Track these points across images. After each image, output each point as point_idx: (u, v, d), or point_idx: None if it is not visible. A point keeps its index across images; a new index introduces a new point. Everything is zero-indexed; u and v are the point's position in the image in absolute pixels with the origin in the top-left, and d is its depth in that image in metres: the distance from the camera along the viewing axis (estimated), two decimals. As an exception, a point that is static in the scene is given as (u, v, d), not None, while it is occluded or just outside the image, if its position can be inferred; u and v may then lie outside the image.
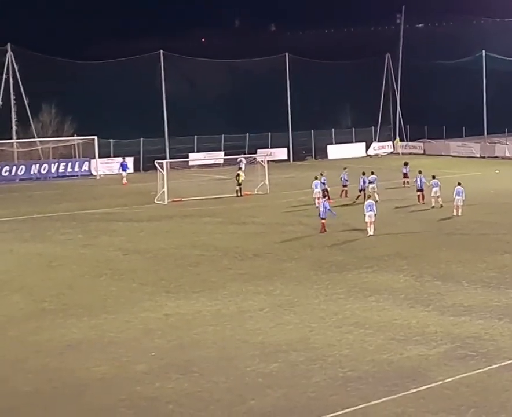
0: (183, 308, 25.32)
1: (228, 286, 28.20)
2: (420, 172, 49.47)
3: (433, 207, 45.82)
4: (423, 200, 47.76)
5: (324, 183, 48.95)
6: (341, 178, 52.75)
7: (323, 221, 39.02)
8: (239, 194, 53.72)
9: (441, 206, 45.08)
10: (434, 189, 46.10)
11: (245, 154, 70.52)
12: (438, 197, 45.84)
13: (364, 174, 50.48)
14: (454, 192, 43.14)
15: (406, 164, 58.23)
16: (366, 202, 38.69)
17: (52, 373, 19.73)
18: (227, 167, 64.73)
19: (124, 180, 62.79)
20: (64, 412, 17.33)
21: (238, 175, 54.35)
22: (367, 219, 37.80)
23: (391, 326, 22.66)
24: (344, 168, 54.11)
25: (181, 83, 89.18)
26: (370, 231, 37.56)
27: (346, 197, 50.98)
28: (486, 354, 20.16)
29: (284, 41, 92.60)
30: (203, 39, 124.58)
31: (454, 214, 42.68)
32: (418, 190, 48.35)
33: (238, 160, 64.59)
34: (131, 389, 18.45)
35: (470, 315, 23.56)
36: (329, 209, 39.21)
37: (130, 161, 76.36)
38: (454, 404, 17.02)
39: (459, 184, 43.69)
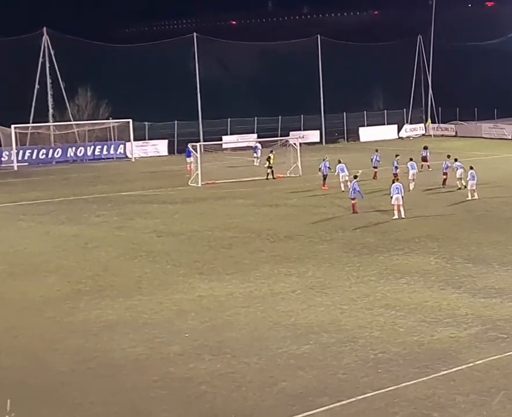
0: (216, 290, 25.48)
1: (260, 268, 28.34)
2: (448, 156, 49.44)
3: (459, 188, 45.64)
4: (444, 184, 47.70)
5: (329, 168, 48.81)
6: (371, 160, 52.73)
7: (353, 202, 39.22)
8: (271, 176, 53.74)
9: (465, 187, 44.75)
10: (458, 171, 45.99)
11: (277, 136, 70.41)
12: (461, 179, 45.66)
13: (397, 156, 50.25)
14: (468, 176, 42.88)
15: (425, 147, 57.40)
16: (393, 185, 38.48)
17: (88, 353, 19.96)
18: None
19: (189, 167, 59.56)
20: (98, 392, 17.52)
21: (269, 158, 54.40)
22: (394, 202, 37.79)
23: (422, 308, 22.68)
24: (376, 150, 54.03)
25: (214, 65, 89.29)
26: (398, 215, 37.48)
27: (375, 178, 50.91)
28: (517, 336, 20.13)
29: (316, 23, 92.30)
30: (233, 22, 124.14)
31: (469, 198, 42.38)
32: (444, 173, 48.11)
33: (254, 145, 64.35)
34: (164, 370, 18.61)
35: (500, 298, 23.50)
36: (358, 190, 39.34)
37: (164, 144, 76.80)
38: (484, 386, 17.00)
39: (471, 168, 43.31)
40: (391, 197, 38.16)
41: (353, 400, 16.53)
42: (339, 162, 48.04)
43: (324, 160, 50.06)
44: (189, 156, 59.31)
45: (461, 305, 22.90)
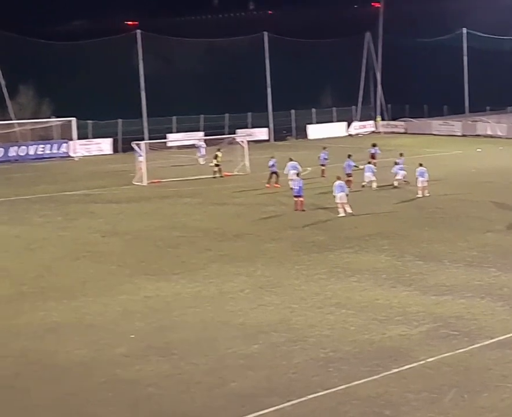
0: (163, 291, 25.15)
1: (208, 267, 28.03)
2: (401, 154, 49.55)
3: (395, 187, 45.95)
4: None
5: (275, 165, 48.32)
6: (319, 157, 52.68)
7: (300, 199, 39.18)
8: (218, 175, 53.36)
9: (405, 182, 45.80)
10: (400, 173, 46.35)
11: (224, 134, 70.11)
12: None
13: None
14: (417, 173, 42.93)
15: (374, 145, 57.44)
16: (336, 183, 38.26)
17: (32, 356, 19.59)
18: (208, 147, 64.33)
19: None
20: (43, 396, 17.21)
21: (216, 155, 53.95)
22: (338, 200, 37.71)
23: (373, 307, 22.58)
24: (324, 148, 54.00)
25: (159, 63, 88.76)
26: (344, 213, 37.38)
27: (324, 176, 50.73)
28: (468, 333, 20.12)
29: (262, 20, 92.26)
30: (178, 18, 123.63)
31: (419, 195, 42.39)
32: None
33: (197, 145, 63.61)
34: (110, 372, 18.32)
35: (451, 295, 23.51)
36: (301, 186, 39.34)
37: (108, 142, 76.04)
38: (436, 384, 16.98)
39: (421, 165, 43.41)
40: (335, 196, 38.04)
41: (303, 400, 16.40)
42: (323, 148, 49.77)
43: (272, 158, 49.83)
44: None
45: (412, 303, 22.85)
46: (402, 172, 46.51)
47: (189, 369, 18.34)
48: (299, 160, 47.71)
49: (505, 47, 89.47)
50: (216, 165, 53.49)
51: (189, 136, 76.45)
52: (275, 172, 47.70)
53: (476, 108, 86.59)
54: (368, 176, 45.78)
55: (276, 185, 46.96)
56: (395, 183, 46.40)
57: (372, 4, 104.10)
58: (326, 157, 52.41)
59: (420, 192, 42.46)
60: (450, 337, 19.88)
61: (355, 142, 77.02)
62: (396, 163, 47.65)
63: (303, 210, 38.94)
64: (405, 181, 46.32)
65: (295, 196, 39.57)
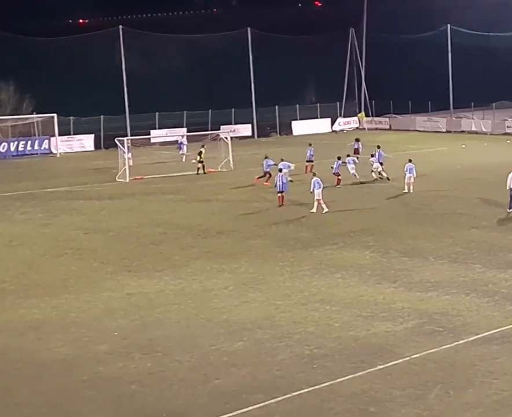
0: (146, 288, 25.01)
1: (192, 264, 27.89)
2: (378, 147, 49.97)
3: (375, 179, 46.82)
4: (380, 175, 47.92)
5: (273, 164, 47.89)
6: (306, 153, 52.60)
7: (281, 195, 39.38)
8: (201, 171, 53.11)
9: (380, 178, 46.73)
10: (375, 165, 47.27)
11: (208, 130, 69.91)
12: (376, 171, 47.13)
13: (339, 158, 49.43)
14: (406, 169, 42.96)
15: (357, 140, 57.48)
16: (313, 180, 38.25)
17: (13, 354, 19.44)
18: (190, 143, 64.17)
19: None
20: (25, 393, 17.05)
21: (200, 152, 53.69)
22: (316, 197, 37.67)
23: (358, 303, 22.50)
24: (310, 144, 53.91)
25: (141, 59, 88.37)
26: (316, 210, 37.35)
27: (311, 171, 50.59)
28: (453, 329, 20.08)
29: (246, 16, 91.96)
30: (160, 14, 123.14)
31: (406, 191, 42.41)
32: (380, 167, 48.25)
33: (179, 141, 63.09)
34: (93, 369, 18.18)
35: (436, 291, 23.46)
36: (285, 183, 39.60)
37: (90, 138, 75.70)
38: (421, 380, 16.93)
39: (410, 161, 43.49)
40: (311, 192, 37.99)
41: (288, 396, 16.32)
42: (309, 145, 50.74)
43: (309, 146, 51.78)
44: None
45: (397, 299, 22.79)
46: (376, 165, 47.16)
47: (173, 366, 18.21)
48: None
49: (489, 43, 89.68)
50: (200, 162, 53.23)
51: (172, 132, 76.24)
52: (269, 173, 46.80)
53: (461, 104, 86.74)
54: (352, 167, 46.38)
55: (266, 184, 46.47)
56: (374, 175, 46.91)
57: (315, 3, 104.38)
58: (312, 153, 52.33)
59: (406, 187, 42.48)
60: (435, 333, 19.82)
61: (340, 138, 77.00)
62: (372, 156, 48.32)
63: (282, 204, 39.15)
64: (379, 173, 46.98)
65: (278, 192, 39.61)
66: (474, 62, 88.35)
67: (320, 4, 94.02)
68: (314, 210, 37.46)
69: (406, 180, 42.69)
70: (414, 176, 42.67)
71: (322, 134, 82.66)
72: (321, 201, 37.58)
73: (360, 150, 55.46)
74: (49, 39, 78.92)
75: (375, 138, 72.08)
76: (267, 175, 46.36)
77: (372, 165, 47.37)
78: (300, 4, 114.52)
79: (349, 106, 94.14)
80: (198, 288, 24.85)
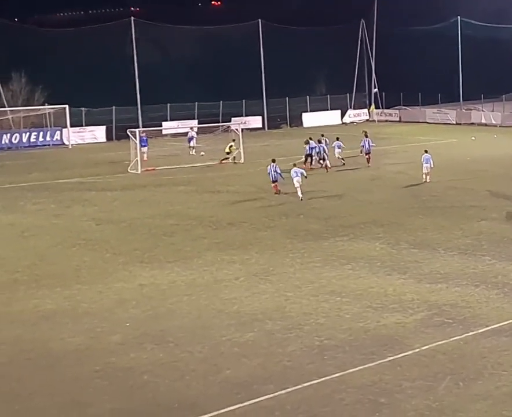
0: (158, 278, 25.09)
1: (203, 255, 27.96)
2: (366, 135, 51.38)
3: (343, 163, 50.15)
4: (368, 163, 50.04)
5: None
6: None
7: (275, 184, 40.52)
8: (229, 161, 53.47)
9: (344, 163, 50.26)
10: (336, 151, 50.66)
11: (219, 122, 69.97)
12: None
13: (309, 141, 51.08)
14: (422, 159, 43.35)
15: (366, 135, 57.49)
16: (292, 170, 39.88)
17: (26, 344, 19.50)
18: (201, 135, 64.27)
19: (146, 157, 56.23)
20: (37, 383, 17.12)
21: (231, 146, 54.08)
22: (296, 184, 39.11)
23: (368, 295, 22.54)
24: (322, 135, 54.10)
25: (153, 50, 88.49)
26: (300, 194, 39.03)
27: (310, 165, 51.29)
28: (463, 321, 20.10)
29: (257, 7, 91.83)
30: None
31: (423, 180, 42.87)
32: (366, 153, 50.49)
33: (189, 136, 63.04)
34: (105, 360, 18.25)
35: (446, 283, 23.48)
36: (279, 173, 40.46)
37: (102, 130, 75.83)
38: (431, 371, 16.96)
39: (426, 151, 43.87)
40: (292, 180, 39.39)
41: (298, 387, 16.35)
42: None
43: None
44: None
45: (407, 291, 22.81)
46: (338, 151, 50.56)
47: (184, 356, 18.27)
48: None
49: (499, 35, 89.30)
50: (227, 153, 53.62)
51: (184, 124, 76.29)
52: (310, 155, 49.67)
53: (471, 96, 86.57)
54: (338, 152, 50.21)
55: (305, 166, 47.46)
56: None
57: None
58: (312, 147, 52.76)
59: (424, 177, 42.97)
60: (445, 325, 19.85)
61: (350, 130, 76.89)
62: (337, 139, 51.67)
63: (279, 192, 40.40)
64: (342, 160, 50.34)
65: (272, 182, 40.63)
66: (484, 54, 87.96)
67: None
68: (300, 195, 38.91)
69: (423, 171, 43.10)
70: (432, 166, 43.04)
71: (332, 126, 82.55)
72: (299, 188, 39.01)
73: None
74: (61, 30, 79.12)
75: (384, 130, 72.25)
76: (308, 158, 49.32)
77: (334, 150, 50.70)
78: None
79: (359, 98, 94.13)
80: (209, 279, 24.94)
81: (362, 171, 47.53)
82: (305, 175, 40.19)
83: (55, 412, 15.76)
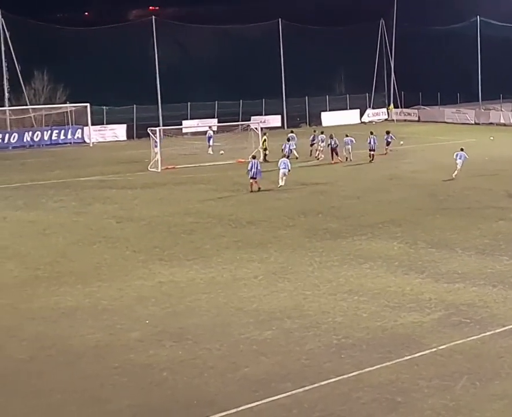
0: (177, 276, 25.22)
1: (222, 254, 28.09)
2: (371, 133, 53.26)
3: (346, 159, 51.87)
4: (372, 159, 52.10)
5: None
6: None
7: (253, 181, 41.50)
8: (266, 159, 53.69)
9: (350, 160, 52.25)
10: (346, 147, 52.38)
11: (238, 121, 70.08)
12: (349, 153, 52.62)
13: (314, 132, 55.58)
14: (456, 156, 44.89)
15: (388, 132, 57.75)
16: (281, 160, 43.35)
17: (47, 340, 19.65)
18: (221, 134, 64.42)
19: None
20: (57, 380, 17.25)
21: (265, 140, 54.50)
22: (281, 175, 42.41)
23: (385, 294, 22.61)
24: (346, 135, 54.68)
25: (174, 49, 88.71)
26: (282, 182, 42.25)
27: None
28: (480, 321, 20.14)
29: (277, 7, 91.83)
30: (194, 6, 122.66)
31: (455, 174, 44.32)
32: (370, 150, 52.29)
33: (208, 135, 63.09)
34: (124, 357, 18.38)
35: (464, 282, 23.52)
36: (260, 171, 41.97)
37: (122, 128, 76.11)
38: (448, 371, 17.00)
39: (462, 149, 45.25)
40: (278, 169, 42.56)
41: (316, 386, 16.42)
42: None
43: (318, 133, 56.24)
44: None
45: (425, 290, 22.86)
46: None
47: (203, 354, 18.38)
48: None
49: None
50: (264, 149, 54.51)
51: (204, 123, 76.45)
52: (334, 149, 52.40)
53: (490, 96, 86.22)
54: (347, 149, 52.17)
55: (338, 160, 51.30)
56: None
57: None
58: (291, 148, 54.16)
59: (456, 172, 44.25)
60: (462, 324, 19.90)
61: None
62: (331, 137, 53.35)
63: (259, 189, 41.41)
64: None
65: (251, 178, 41.52)
66: (503, 54, 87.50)
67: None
68: (281, 183, 42.01)
69: (458, 167, 44.14)
70: (462, 164, 44.33)
71: (351, 125, 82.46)
72: (282, 178, 42.19)
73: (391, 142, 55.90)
74: (83, 29, 79.39)
75: (403, 130, 72.09)
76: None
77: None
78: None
79: (378, 98, 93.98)
80: (228, 277, 25.05)
81: (380, 171, 47.50)
82: (290, 168, 42.80)
83: (74, 408, 15.89)
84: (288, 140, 54.64)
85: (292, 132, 58.70)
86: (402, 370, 17.12)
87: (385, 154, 54.64)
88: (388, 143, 55.78)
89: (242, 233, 31.83)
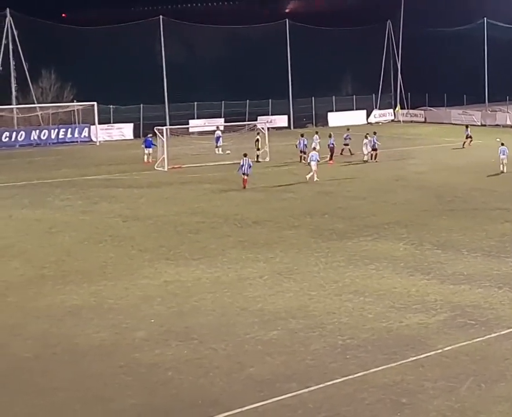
0: (183, 275, 25.24)
1: (227, 253, 28.12)
2: (374, 133, 54.40)
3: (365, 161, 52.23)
4: (375, 158, 52.90)
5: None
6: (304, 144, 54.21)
7: (245, 177, 42.99)
8: (258, 160, 53.55)
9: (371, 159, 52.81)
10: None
11: (245, 121, 70.16)
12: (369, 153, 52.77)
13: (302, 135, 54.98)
14: (499, 151, 46.84)
15: (375, 133, 57.56)
16: (310, 154, 45.70)
17: (52, 339, 19.68)
18: (227, 133, 64.44)
19: (146, 159, 56.05)
20: (62, 378, 17.26)
21: (257, 140, 54.36)
22: (313, 167, 44.52)
23: (391, 295, 22.59)
24: (348, 129, 54.89)
25: (181, 49, 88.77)
26: (316, 177, 44.27)
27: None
28: (486, 322, 20.12)
29: (284, 7, 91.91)
30: (203, 5, 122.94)
31: (501, 169, 46.08)
32: (373, 149, 53.36)
33: (216, 135, 62.83)
34: (130, 356, 18.39)
35: (469, 284, 23.49)
36: (251, 165, 43.44)
37: (129, 127, 76.20)
38: (453, 372, 16.97)
39: (502, 144, 47.30)
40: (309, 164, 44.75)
41: (321, 386, 16.41)
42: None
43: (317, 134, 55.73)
44: (148, 146, 56.03)
45: (430, 291, 22.85)
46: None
47: (208, 353, 18.38)
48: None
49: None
50: (257, 149, 54.32)
51: (210, 122, 76.53)
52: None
53: (496, 97, 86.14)
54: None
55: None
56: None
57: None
58: (306, 143, 53.70)
59: (501, 167, 46.16)
60: (468, 326, 19.87)
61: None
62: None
63: (245, 187, 42.83)
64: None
65: (243, 174, 42.90)
66: (510, 55, 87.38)
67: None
68: (316, 178, 44.02)
69: (501, 161, 46.11)
70: (507, 156, 46.31)
71: (357, 126, 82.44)
72: (314, 173, 44.54)
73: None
74: (90, 28, 79.47)
75: (409, 130, 72.09)
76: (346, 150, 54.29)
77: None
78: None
79: (385, 99, 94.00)
80: (233, 276, 25.06)
81: (386, 172, 47.49)
82: (319, 159, 45.57)
83: (79, 407, 15.89)
84: (330, 136, 54.50)
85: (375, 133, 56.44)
86: (407, 371, 17.10)
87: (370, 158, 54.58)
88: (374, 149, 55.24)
89: (248, 232, 31.85)
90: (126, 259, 27.79)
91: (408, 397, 15.80)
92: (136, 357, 18.32)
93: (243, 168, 42.86)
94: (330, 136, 54.08)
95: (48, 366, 17.98)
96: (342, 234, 30.94)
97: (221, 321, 20.68)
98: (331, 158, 52.74)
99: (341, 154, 55.39)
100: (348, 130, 58.94)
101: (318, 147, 50.00)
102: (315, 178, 44.34)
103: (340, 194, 40.59)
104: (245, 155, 43.45)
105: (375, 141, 53.37)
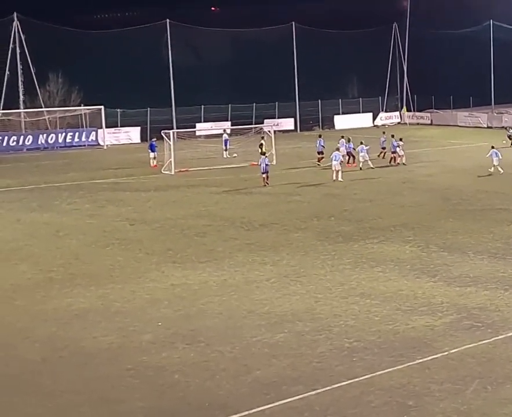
0: (190, 279, 25.30)
1: (234, 256, 28.18)
2: (392, 136, 53.82)
3: (360, 168, 50.66)
4: (395, 161, 52.45)
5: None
6: (316, 145, 54.34)
7: (265, 175, 44.50)
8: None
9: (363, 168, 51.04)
10: (361, 154, 51.03)
11: (251, 124, 70.23)
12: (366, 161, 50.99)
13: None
14: (491, 154, 47.11)
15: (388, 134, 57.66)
16: (333, 153, 46.12)
17: (59, 342, 19.74)
18: (234, 136, 64.51)
19: (153, 163, 55.59)
20: (69, 381, 17.33)
21: (261, 144, 54.30)
22: (333, 168, 45.28)
23: (397, 297, 22.62)
24: (320, 136, 54.87)
25: (188, 52, 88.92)
26: (339, 178, 45.06)
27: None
28: (492, 325, 20.13)
29: (291, 10, 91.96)
30: (213, 8, 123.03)
31: (499, 172, 46.56)
32: (392, 152, 52.93)
33: (224, 139, 62.49)
34: (137, 359, 18.44)
35: (475, 286, 23.51)
36: (267, 164, 44.89)
37: (136, 131, 76.28)
38: (459, 375, 16.99)
39: (493, 147, 47.68)
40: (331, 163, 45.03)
41: (327, 388, 16.44)
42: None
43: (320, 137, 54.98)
44: (153, 149, 55.87)
45: (437, 294, 22.87)
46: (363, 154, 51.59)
47: (215, 356, 18.43)
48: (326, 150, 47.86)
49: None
50: (262, 154, 54.24)
51: (217, 125, 76.58)
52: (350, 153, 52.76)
53: (502, 99, 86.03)
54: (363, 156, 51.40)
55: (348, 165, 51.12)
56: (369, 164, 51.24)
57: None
58: (323, 144, 53.43)
59: (493, 169, 46.61)
60: (474, 328, 19.90)
61: (381, 132, 76.67)
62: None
63: (267, 184, 44.14)
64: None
65: (262, 173, 44.48)
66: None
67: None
68: (340, 179, 44.47)
69: (494, 163, 46.78)
70: (500, 158, 46.75)
71: (364, 128, 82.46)
72: (339, 172, 44.99)
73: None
74: (98, 32, 79.60)
75: (416, 133, 72.06)
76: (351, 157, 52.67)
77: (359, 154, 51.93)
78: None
79: (391, 101, 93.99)
80: (240, 279, 25.12)
81: (393, 174, 47.53)
82: (342, 159, 46.47)
83: (86, 410, 15.96)
84: (349, 140, 54.15)
85: (342, 137, 55.71)
86: (413, 373, 17.13)
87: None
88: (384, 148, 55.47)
89: (254, 235, 31.90)
90: (133, 262, 27.85)
91: (414, 399, 15.83)
92: (144, 360, 18.36)
93: (261, 167, 44.56)
94: (349, 140, 53.70)
95: (56, 369, 18.05)
96: (348, 237, 30.98)
97: (228, 324, 20.73)
98: (350, 162, 52.26)
99: (383, 158, 54.37)
100: (384, 133, 58.13)
101: (342, 149, 50.76)
102: (340, 178, 45.24)
103: (347, 196, 40.63)
104: (263, 154, 45.83)
105: (394, 144, 52.85)
